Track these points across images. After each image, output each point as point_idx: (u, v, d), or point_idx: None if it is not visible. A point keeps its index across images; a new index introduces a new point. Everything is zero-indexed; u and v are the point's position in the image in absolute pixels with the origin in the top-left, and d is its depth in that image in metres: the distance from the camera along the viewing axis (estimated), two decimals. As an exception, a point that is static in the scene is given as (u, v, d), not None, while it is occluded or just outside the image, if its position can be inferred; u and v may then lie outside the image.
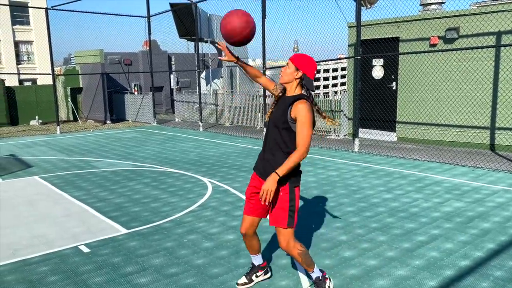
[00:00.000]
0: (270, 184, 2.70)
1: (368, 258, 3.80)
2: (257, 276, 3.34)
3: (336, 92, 11.86)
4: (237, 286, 3.31)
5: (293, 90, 2.89)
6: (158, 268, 3.72)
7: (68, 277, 3.59)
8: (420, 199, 5.54)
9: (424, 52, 8.50)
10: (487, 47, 7.18)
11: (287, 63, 2.89)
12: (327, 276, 3.16)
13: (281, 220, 2.89)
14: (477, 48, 7.46)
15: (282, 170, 2.72)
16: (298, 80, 2.88)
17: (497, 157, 7.93)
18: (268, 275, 3.44)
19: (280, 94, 2.98)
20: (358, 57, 8.93)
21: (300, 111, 2.74)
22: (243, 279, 3.33)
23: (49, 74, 13.64)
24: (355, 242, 4.18)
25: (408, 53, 8.48)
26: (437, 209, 5.09)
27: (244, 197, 5.84)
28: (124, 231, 4.69)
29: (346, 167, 7.58)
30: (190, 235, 4.50)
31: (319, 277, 3.12)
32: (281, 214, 2.89)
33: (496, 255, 3.80)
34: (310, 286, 3.30)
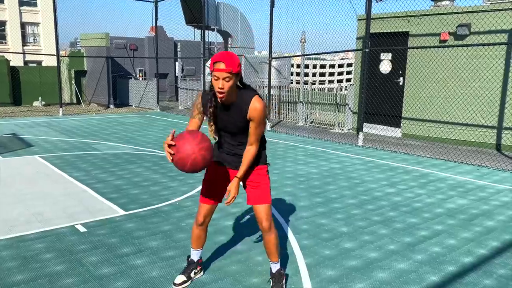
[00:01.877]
0: (236, 189, 2.76)
1: (369, 250, 3.73)
2: (195, 273, 3.12)
3: (341, 88, 11.71)
4: (174, 287, 3.02)
5: (234, 94, 2.66)
6: (154, 251, 3.65)
7: (63, 255, 3.53)
8: (423, 194, 5.45)
9: (434, 47, 8.37)
10: (499, 44, 7.04)
11: (220, 78, 2.52)
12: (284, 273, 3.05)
13: (265, 197, 2.88)
14: (489, 44, 7.33)
15: (241, 173, 2.79)
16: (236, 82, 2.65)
17: (502, 157, 7.82)
18: (202, 273, 3.23)
19: (213, 106, 2.71)
20: (367, 50, 8.80)
21: (257, 111, 2.66)
22: (181, 278, 3.05)
23: (54, 55, 13.54)
24: (356, 234, 4.10)
25: (417, 47, 8.35)
26: (441, 206, 5.01)
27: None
28: (122, 212, 4.62)
29: (349, 160, 7.49)
30: (188, 219, 4.43)
31: (281, 269, 3.03)
32: (264, 191, 2.88)
33: (500, 253, 3.72)
34: (268, 281, 3.08)
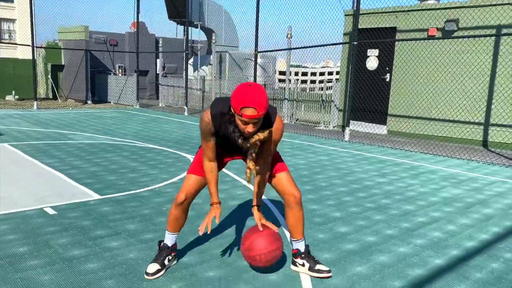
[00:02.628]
0: (260, 215, 2.61)
1: (366, 235, 3.46)
2: (169, 260, 2.70)
3: (327, 87, 11.55)
4: (147, 277, 2.59)
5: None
6: (132, 233, 3.31)
7: (28, 237, 3.15)
8: (416, 184, 5.24)
9: (423, 39, 8.26)
10: (488, 35, 6.95)
11: (249, 123, 2.22)
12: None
13: (283, 165, 2.68)
14: (476, 36, 7.23)
15: (259, 201, 2.62)
16: None
17: (490, 152, 7.72)
18: (176, 261, 2.82)
19: (243, 139, 2.36)
20: (355, 43, 8.63)
21: (280, 131, 2.46)
22: (154, 266, 2.62)
23: (29, 45, 12.97)
24: (350, 219, 3.84)
25: (405, 40, 8.22)
26: (435, 195, 4.80)
27: (230, 173, 5.46)
28: (97, 196, 4.25)
29: (336, 153, 7.26)
30: (169, 204, 4.09)
31: (308, 246, 2.77)
32: (279, 159, 2.68)
33: (503, 238, 3.50)
34: (300, 264, 2.73)
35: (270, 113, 2.40)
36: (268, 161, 2.54)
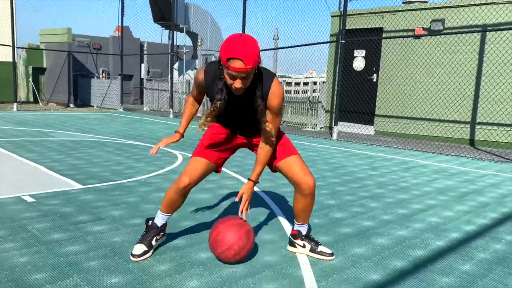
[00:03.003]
0: (250, 193, 2.38)
1: (362, 220, 3.33)
2: (156, 240, 2.49)
3: (314, 90, 11.53)
4: (133, 259, 2.39)
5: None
6: (117, 219, 3.11)
7: (3, 222, 2.93)
8: (408, 176, 5.15)
9: (409, 36, 8.28)
10: (474, 31, 6.97)
11: (237, 77, 2.03)
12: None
13: (293, 149, 2.50)
14: (463, 33, 7.26)
15: (256, 176, 2.39)
16: None
17: (478, 150, 7.72)
18: (164, 238, 2.62)
19: (224, 99, 2.19)
20: (342, 41, 8.59)
21: (278, 97, 2.21)
22: (141, 248, 2.41)
23: (9, 45, 12.63)
24: (345, 206, 3.70)
25: (392, 37, 8.22)
26: (428, 185, 4.71)
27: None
28: (79, 186, 4.03)
29: (325, 150, 7.15)
30: (157, 193, 3.90)
31: (311, 229, 2.66)
32: (289, 143, 2.51)
33: (502, 223, 3.41)
34: (301, 246, 2.59)
35: (266, 75, 2.21)
36: (271, 134, 2.28)
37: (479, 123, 8.32)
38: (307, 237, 2.59)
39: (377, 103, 9.77)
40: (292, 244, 2.61)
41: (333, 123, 9.08)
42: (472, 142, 8.42)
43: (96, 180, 4.27)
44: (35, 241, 2.61)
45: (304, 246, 2.57)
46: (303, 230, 2.58)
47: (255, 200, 3.74)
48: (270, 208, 3.56)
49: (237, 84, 2.05)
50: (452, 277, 2.35)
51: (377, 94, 9.76)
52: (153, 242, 2.48)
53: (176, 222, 3.08)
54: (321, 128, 10.78)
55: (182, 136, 2.48)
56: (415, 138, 9.03)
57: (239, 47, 1.97)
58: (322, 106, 10.71)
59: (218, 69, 2.16)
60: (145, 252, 2.42)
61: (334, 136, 8.69)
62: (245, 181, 4.51)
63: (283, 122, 11.92)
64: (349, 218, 3.37)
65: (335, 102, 9.13)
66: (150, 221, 2.54)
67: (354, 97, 10.08)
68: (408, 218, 3.44)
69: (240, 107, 2.30)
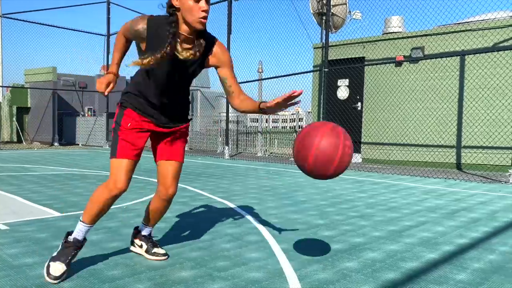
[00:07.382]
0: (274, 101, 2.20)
1: (353, 237, 3.22)
2: (73, 257, 2.32)
3: (300, 119, 11.65)
4: (51, 281, 2.18)
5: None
6: (96, 243, 2.95)
7: (-27, 248, 2.75)
8: (398, 197, 5.08)
9: (391, 62, 8.43)
10: (453, 55, 7.13)
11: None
12: None
13: (181, 154, 2.52)
14: (442, 56, 7.41)
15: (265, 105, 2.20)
16: None
17: (465, 173, 7.72)
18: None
19: (171, 45, 2.13)
20: (326, 70, 8.71)
21: (227, 52, 2.30)
22: (61, 267, 2.21)
23: (-7, 85, 12.56)
24: (334, 225, 3.59)
25: (374, 64, 8.36)
26: (418, 205, 4.63)
27: (202, 192, 5.16)
28: (57, 214, 3.86)
29: (313, 177, 7.07)
30: (138, 218, 3.75)
31: (152, 232, 2.73)
32: (182, 148, 2.53)
33: (495, 235, 3.33)
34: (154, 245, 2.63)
35: (209, 35, 2.25)
36: (237, 88, 2.31)
37: (465, 147, 8.37)
38: (147, 238, 2.64)
39: (363, 131, 9.82)
40: (132, 243, 2.70)
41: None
42: (459, 165, 8.43)
43: (76, 209, 4.11)
44: (5, 266, 2.44)
45: (141, 246, 2.64)
46: (146, 232, 2.65)
47: (243, 221, 3.61)
48: (256, 228, 3.43)
49: (203, 3, 2.02)
50: (447, 286, 2.24)
51: (363, 122, 9.83)
52: (72, 260, 2.29)
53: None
54: (308, 158, 10.73)
55: (117, 76, 2.36)
56: (402, 164, 9.03)
57: None
58: (309, 136, 10.71)
59: (166, 18, 2.12)
60: (64, 273, 2.20)
61: (322, 164, 8.63)
62: (233, 205, 4.39)
63: (271, 153, 11.88)
64: (338, 235, 3.26)
65: (321, 131, 9.12)
66: (70, 236, 2.32)
67: (340, 126, 10.11)
68: (399, 233, 3.33)
69: (178, 69, 2.22)
